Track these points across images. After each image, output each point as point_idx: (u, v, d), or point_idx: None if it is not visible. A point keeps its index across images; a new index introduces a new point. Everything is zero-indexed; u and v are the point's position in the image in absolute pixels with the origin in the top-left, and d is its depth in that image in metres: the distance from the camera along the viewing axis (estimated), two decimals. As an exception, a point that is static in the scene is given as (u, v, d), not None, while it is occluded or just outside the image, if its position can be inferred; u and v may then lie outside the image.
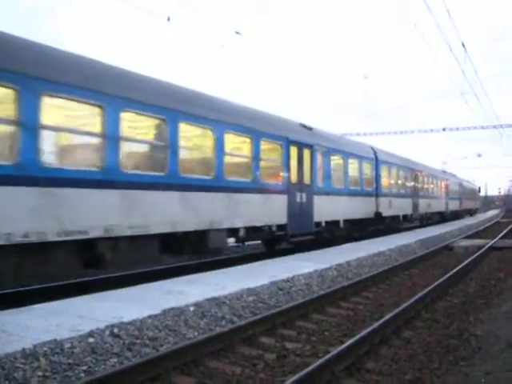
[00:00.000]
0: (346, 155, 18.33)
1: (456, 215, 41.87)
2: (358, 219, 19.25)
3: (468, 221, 38.49)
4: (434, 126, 53.07)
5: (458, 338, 6.51)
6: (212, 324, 6.77)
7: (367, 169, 20.60)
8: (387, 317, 6.91)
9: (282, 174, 13.75)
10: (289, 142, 13.94)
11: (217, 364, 5.47)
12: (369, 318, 7.59)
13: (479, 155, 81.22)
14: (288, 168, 13.95)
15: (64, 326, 5.76)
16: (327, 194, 16.14)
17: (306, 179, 14.95)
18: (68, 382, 4.62)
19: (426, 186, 30.27)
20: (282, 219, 13.60)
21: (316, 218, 15.19)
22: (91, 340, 5.42)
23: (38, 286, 10.21)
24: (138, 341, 5.74)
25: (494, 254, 16.37)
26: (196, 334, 6.34)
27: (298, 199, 14.39)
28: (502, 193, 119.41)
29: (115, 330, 5.75)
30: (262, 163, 12.86)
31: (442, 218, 35.79)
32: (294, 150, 14.23)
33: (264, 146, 13.02)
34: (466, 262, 13.10)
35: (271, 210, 13.16)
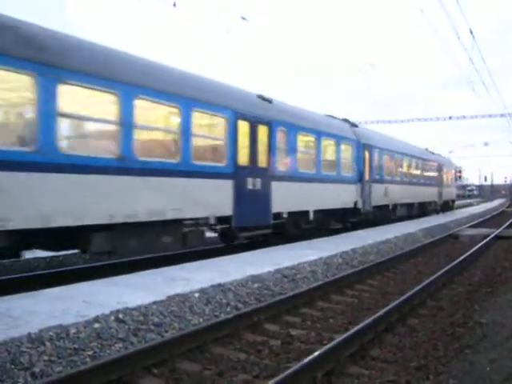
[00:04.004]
0: None
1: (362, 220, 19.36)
2: None
3: (474, 210, 38.34)
4: (440, 115, 52.98)
5: (463, 326, 6.50)
6: (217, 310, 6.79)
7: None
8: (392, 304, 6.90)
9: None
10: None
11: (222, 350, 5.48)
12: (374, 305, 7.58)
13: (486, 144, 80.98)
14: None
15: (69, 311, 5.78)
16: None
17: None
18: (74, 367, 4.64)
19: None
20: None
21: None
22: (96, 325, 5.44)
23: (43, 272, 10.26)
24: (143, 326, 5.75)
25: (499, 242, 16.32)
26: (201, 320, 6.36)
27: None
28: (508, 182, 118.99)
29: (120, 316, 5.76)
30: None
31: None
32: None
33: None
34: (472, 250, 13.06)
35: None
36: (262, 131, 12.70)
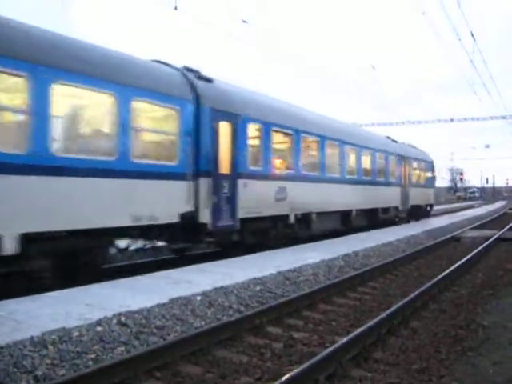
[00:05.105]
0: None
1: None
2: None
3: (475, 212, 38.28)
4: (441, 117, 53.03)
5: (466, 328, 6.50)
6: (219, 313, 6.78)
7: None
8: (394, 307, 6.90)
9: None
10: None
11: (224, 353, 5.48)
12: (376, 308, 7.58)
13: (487, 146, 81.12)
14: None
15: (72, 315, 5.79)
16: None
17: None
18: (77, 370, 4.65)
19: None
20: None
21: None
22: (99, 328, 5.45)
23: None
24: (146, 329, 5.76)
25: (501, 244, 16.30)
26: (203, 323, 6.35)
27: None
28: (510, 184, 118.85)
29: (123, 319, 5.77)
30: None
31: None
32: None
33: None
34: (473, 252, 13.05)
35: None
36: None
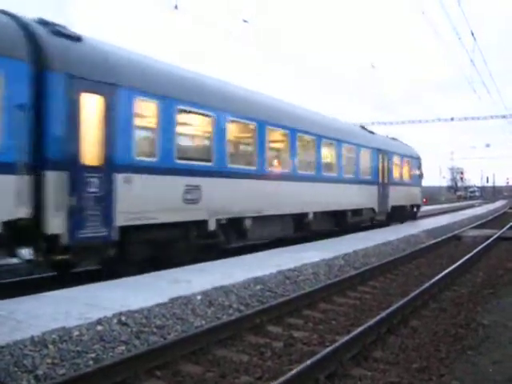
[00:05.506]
0: None
1: None
2: None
3: (476, 211, 38.25)
4: (442, 116, 53.08)
5: (466, 327, 6.50)
6: (219, 312, 6.79)
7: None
8: (394, 306, 6.90)
9: None
10: None
11: (224, 352, 5.48)
12: (376, 307, 7.58)
13: (488, 145, 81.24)
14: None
15: (72, 314, 5.79)
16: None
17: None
18: (77, 369, 4.65)
19: None
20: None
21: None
22: (99, 328, 5.45)
23: (46, 275, 10.26)
24: (146, 329, 5.76)
25: (502, 244, 16.29)
26: (203, 322, 6.36)
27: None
28: (511, 183, 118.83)
29: (123, 318, 5.78)
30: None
31: None
32: None
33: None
34: (474, 251, 13.05)
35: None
36: None
